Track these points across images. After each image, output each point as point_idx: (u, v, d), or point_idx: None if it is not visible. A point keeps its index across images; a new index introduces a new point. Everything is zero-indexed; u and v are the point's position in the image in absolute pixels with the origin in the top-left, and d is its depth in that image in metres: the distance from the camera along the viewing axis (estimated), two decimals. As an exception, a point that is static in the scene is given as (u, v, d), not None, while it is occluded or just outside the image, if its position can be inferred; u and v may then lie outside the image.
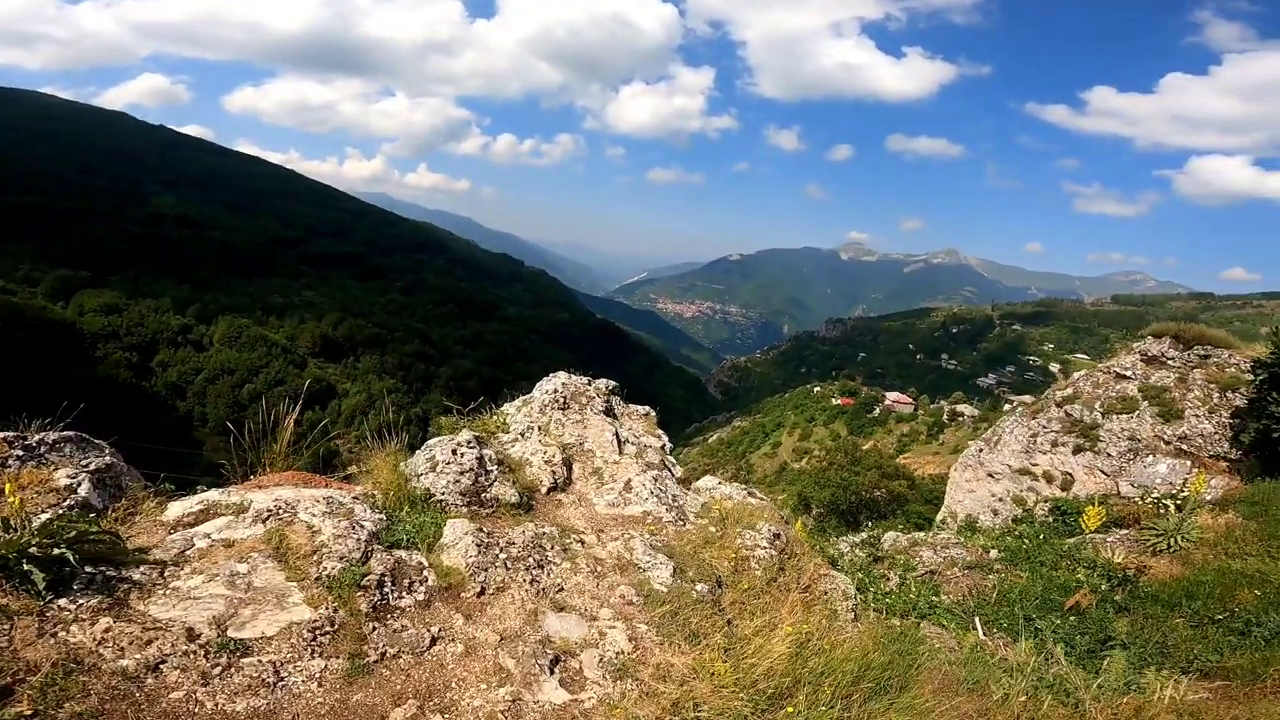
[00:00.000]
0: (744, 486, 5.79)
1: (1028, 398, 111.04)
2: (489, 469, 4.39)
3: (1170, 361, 12.50)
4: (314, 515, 3.30)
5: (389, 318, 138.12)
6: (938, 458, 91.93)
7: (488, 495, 4.26)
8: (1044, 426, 13.31)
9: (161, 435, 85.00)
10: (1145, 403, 12.09)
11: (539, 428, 5.32)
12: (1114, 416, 12.26)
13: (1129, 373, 12.82)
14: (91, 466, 3.25)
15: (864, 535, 12.79)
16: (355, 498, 3.72)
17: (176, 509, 3.31)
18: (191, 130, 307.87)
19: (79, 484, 3.12)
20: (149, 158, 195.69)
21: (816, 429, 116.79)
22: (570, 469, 4.98)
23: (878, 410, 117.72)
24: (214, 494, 3.47)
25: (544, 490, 4.67)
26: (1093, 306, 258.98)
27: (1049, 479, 12.85)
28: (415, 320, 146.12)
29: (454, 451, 4.40)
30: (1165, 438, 11.49)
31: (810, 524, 31.70)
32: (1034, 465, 13.17)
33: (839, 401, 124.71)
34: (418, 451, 4.66)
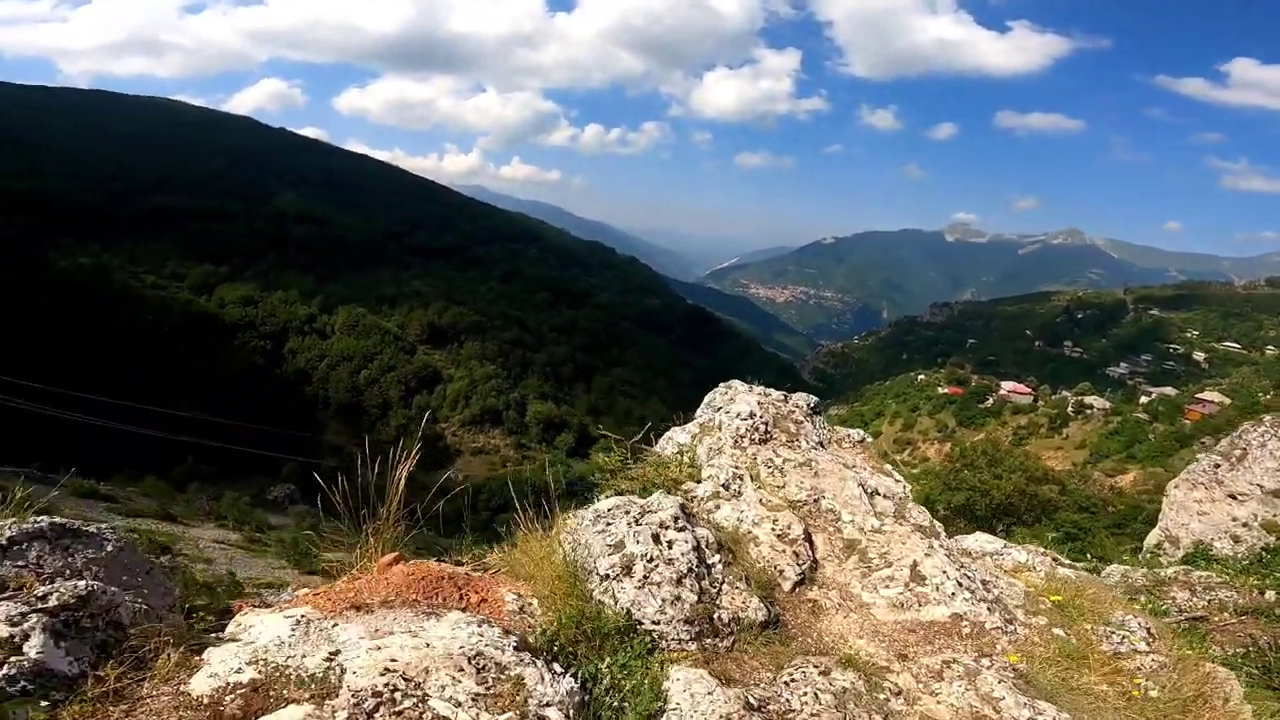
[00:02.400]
0: (1040, 549, 3.91)
1: (1169, 389, 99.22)
2: (709, 561, 2.76)
3: None
4: (455, 697, 1.80)
5: (488, 305, 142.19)
6: (1060, 453, 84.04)
7: (721, 614, 2.58)
8: (1315, 441, 10.32)
9: (290, 418, 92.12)
10: None
11: (749, 475, 3.61)
12: None
13: None
14: (51, 602, 1.82)
15: (1080, 567, 10.39)
16: (518, 645, 2.12)
17: (206, 683, 1.82)
18: (309, 132, 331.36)
19: (27, 634, 1.74)
20: (273, 160, 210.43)
21: (921, 419, 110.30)
22: (811, 543, 3.28)
23: (991, 400, 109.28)
24: (278, 628, 1.97)
25: (787, 586, 2.97)
26: (1244, 290, 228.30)
27: (1322, 507, 9.92)
28: (512, 308, 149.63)
29: (656, 538, 2.77)
30: None
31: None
32: (1299, 489, 10.24)
33: (946, 390, 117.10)
34: (584, 520, 3.01)
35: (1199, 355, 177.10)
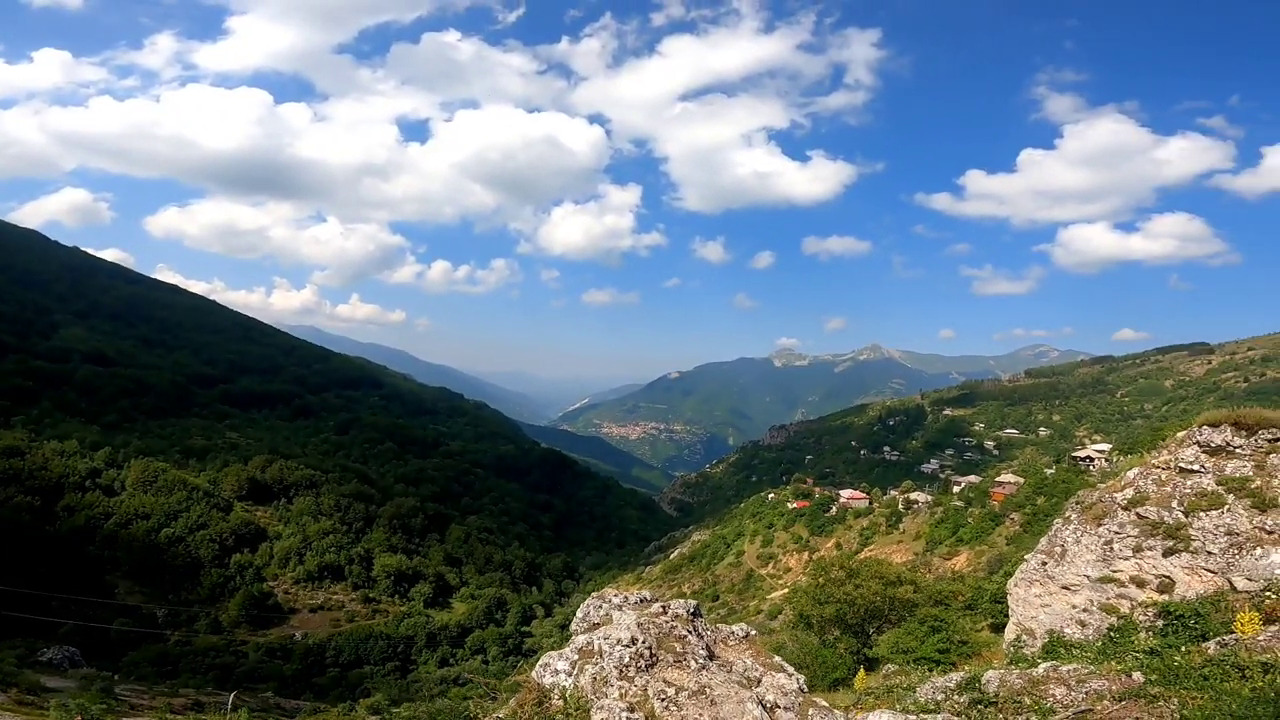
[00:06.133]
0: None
1: (974, 477, 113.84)
2: None
3: (1239, 450, 12.04)
4: None
5: (322, 458, 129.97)
6: (902, 546, 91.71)
7: None
8: (1116, 533, 12.38)
9: (66, 577, 75.90)
10: (1230, 496, 11.40)
11: (644, 715, 3.56)
12: (1200, 514, 11.45)
13: (1195, 466, 12.24)
14: None
15: (957, 678, 11.00)
16: None
17: None
18: (110, 254, 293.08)
19: None
20: (59, 284, 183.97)
21: (778, 534, 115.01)
22: None
23: (834, 509, 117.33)
24: None
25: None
26: (1010, 383, 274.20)
27: (1140, 584, 11.73)
28: (351, 459, 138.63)
29: None
30: (1267, 528, 10.68)
31: (815, 641, 29.26)
32: (1116, 573, 12.06)
33: (795, 505, 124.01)
34: None
35: (989, 443, 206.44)
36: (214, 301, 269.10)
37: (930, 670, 16.74)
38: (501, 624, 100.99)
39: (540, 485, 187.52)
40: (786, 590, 77.16)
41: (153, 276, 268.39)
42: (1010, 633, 14.27)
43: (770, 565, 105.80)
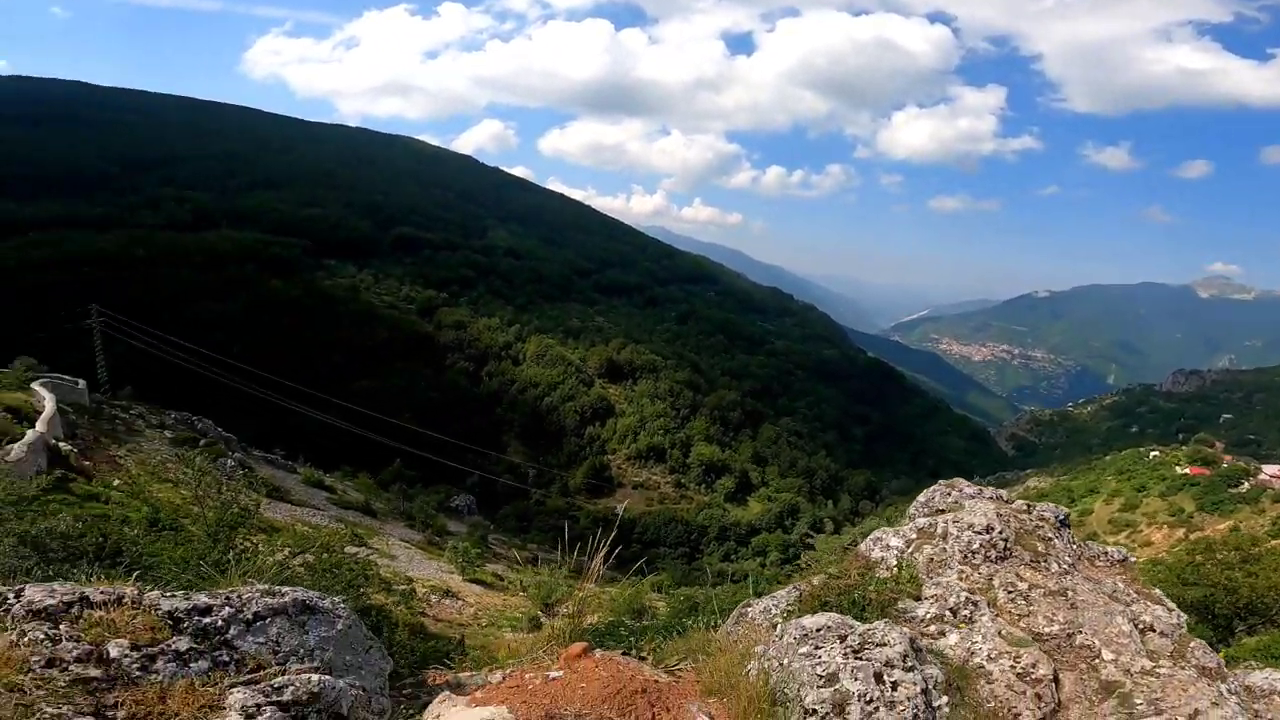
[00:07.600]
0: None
1: None
2: (935, 704, 2.63)
3: None
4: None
5: (663, 345, 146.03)
6: (1341, 548, 66.64)
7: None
8: None
9: (480, 434, 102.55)
10: None
11: (985, 600, 3.36)
12: None
13: None
14: (286, 696, 2.04)
15: None
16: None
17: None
18: (518, 171, 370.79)
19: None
20: (487, 197, 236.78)
21: (1148, 499, 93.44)
22: (1058, 684, 3.00)
23: (1245, 485, 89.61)
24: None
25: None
26: None
27: None
28: (687, 349, 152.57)
29: (879, 677, 2.57)
30: None
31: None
32: None
33: (1186, 470, 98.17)
34: (788, 637, 2.79)
35: None
36: (588, 206, 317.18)
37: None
38: (789, 531, 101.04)
39: (860, 395, 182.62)
40: (1144, 563, 63.94)
41: (545, 187, 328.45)
42: None
43: (1124, 534, 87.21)
